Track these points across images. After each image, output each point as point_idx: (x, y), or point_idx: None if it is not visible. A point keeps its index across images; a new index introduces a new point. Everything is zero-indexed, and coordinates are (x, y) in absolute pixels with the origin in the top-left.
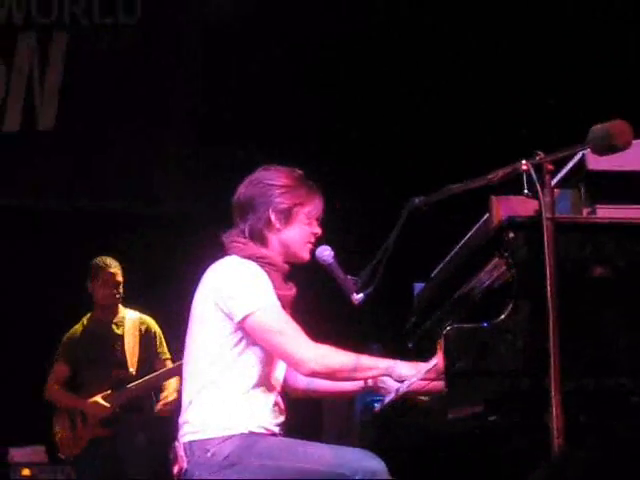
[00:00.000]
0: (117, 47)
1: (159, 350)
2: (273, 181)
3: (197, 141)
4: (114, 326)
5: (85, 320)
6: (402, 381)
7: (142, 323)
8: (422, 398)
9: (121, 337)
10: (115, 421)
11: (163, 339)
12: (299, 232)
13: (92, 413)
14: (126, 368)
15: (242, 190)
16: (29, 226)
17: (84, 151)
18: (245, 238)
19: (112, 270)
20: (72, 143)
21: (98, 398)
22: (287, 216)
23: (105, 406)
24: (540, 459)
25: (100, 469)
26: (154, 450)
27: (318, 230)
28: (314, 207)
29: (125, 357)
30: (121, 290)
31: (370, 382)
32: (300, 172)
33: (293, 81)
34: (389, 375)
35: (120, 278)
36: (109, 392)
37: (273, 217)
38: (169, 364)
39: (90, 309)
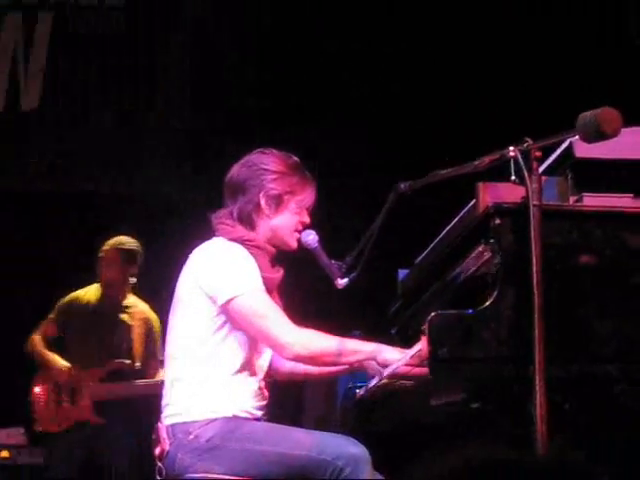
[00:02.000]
0: (103, 29)
1: (155, 350)
2: (267, 165)
3: (183, 124)
4: (122, 312)
5: (93, 291)
6: (386, 366)
7: (150, 319)
8: (404, 382)
9: (129, 326)
10: (109, 411)
11: (160, 339)
12: (288, 220)
13: (86, 394)
14: (131, 359)
15: (235, 171)
16: (11, 207)
17: (68, 132)
18: (233, 220)
19: (119, 250)
20: (56, 124)
21: (98, 382)
22: (277, 203)
23: (103, 393)
24: (523, 448)
25: (74, 455)
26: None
27: (307, 219)
28: (305, 196)
29: (133, 348)
30: (133, 271)
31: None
32: (296, 159)
33: (283, 66)
34: (373, 359)
35: (135, 255)
36: (113, 380)
37: (263, 202)
38: (161, 366)
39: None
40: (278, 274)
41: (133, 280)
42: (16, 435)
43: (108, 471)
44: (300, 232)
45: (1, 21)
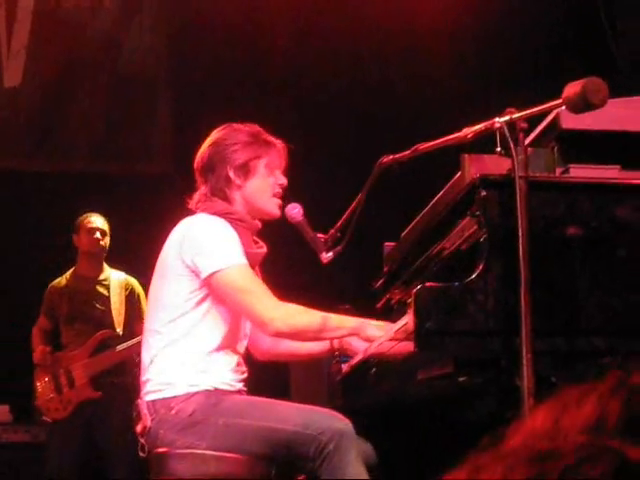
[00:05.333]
0: (84, 4)
1: (141, 313)
2: (228, 139)
3: (171, 99)
4: (98, 285)
5: (68, 275)
6: (370, 341)
7: (127, 284)
8: (388, 357)
9: (107, 297)
10: (104, 383)
11: (145, 301)
12: (261, 184)
13: (80, 374)
14: (113, 328)
15: (200, 153)
16: None
17: (50, 109)
18: (210, 198)
19: (93, 219)
20: (38, 101)
21: (88, 358)
22: (246, 171)
23: (94, 366)
24: (510, 421)
25: (82, 435)
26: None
27: (283, 180)
28: (273, 158)
29: (112, 317)
30: (107, 241)
31: (336, 343)
32: (257, 127)
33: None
34: (357, 335)
35: (105, 227)
36: (97, 353)
37: (232, 174)
38: None
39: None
40: (261, 250)
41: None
42: (1, 413)
43: (107, 451)
44: (281, 197)
45: None
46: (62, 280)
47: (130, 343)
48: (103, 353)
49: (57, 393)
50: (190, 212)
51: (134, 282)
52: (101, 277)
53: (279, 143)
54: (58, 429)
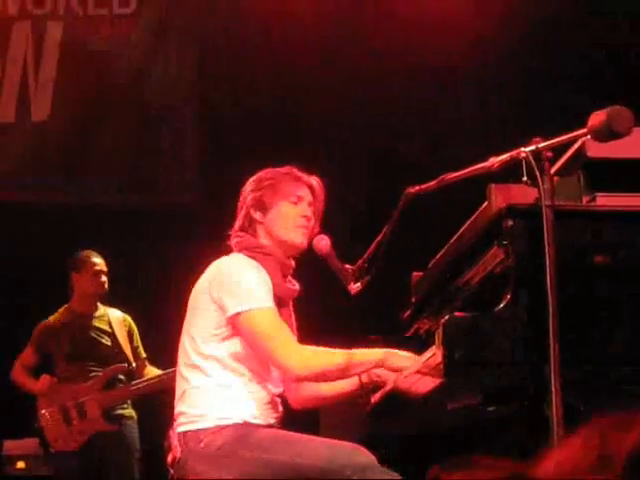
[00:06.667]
0: (111, 37)
1: (138, 350)
2: (253, 180)
3: (198, 131)
4: (97, 321)
5: (62, 312)
6: (395, 371)
7: (126, 320)
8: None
9: (111, 333)
10: (115, 416)
11: (138, 338)
12: (279, 216)
13: (92, 406)
14: (122, 362)
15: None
16: (20, 219)
17: (78, 142)
18: (239, 232)
19: (99, 260)
20: (66, 133)
21: (100, 391)
22: (263, 207)
23: (107, 400)
24: (539, 450)
25: (92, 467)
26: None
27: (306, 212)
28: (292, 190)
29: (122, 352)
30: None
31: (364, 378)
32: (287, 167)
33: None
34: (382, 366)
35: (106, 269)
36: (114, 386)
37: (252, 212)
38: (146, 363)
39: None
40: (293, 287)
41: None
42: (32, 446)
43: (113, 466)
44: (306, 228)
45: (10, 30)
46: (56, 317)
47: (143, 380)
48: (118, 388)
49: (66, 425)
50: (220, 244)
51: (130, 320)
52: (97, 314)
53: (309, 178)
54: (66, 461)
